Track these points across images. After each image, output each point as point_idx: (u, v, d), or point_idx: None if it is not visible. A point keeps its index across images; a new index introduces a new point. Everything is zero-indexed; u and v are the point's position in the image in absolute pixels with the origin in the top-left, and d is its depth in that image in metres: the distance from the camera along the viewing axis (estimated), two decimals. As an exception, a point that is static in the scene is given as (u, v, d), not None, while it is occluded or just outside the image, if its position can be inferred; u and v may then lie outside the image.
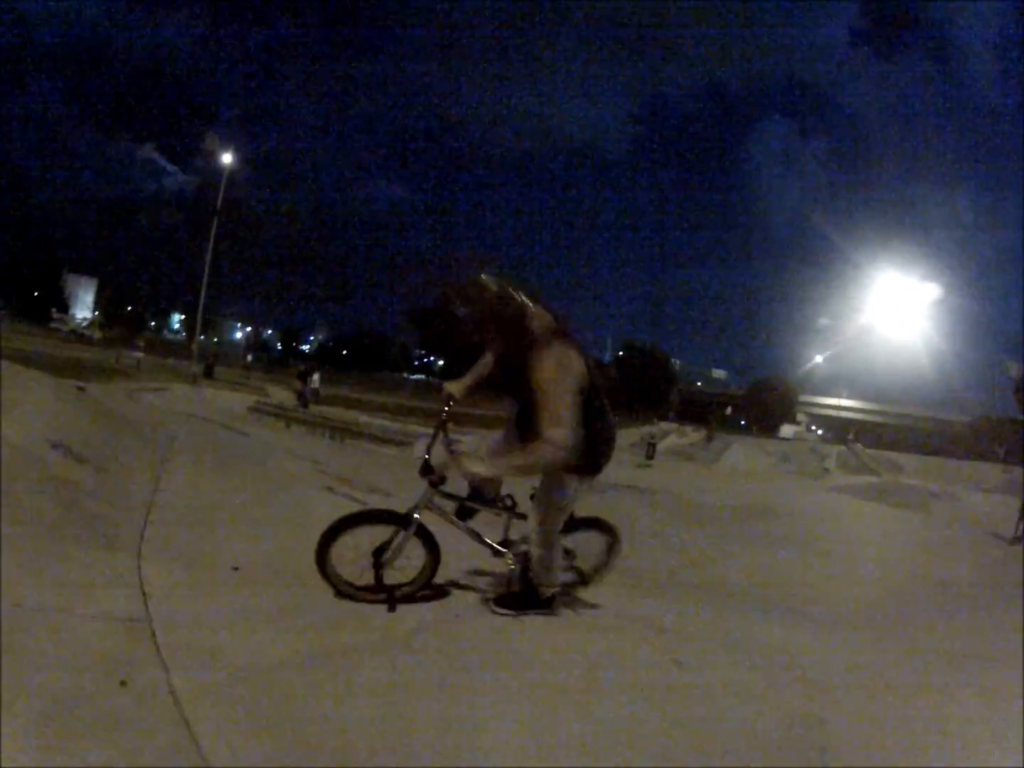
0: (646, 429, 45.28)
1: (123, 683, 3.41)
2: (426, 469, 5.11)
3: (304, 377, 33.45)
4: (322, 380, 43.18)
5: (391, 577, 5.14)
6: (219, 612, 4.58)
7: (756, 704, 4.13)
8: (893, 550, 16.02)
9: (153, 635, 3.92)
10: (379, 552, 5.06)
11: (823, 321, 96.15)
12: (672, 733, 3.66)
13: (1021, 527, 18.35)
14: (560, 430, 4.21)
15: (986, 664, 6.20)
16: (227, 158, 50.40)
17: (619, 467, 23.80)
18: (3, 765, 2.72)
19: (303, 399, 29.50)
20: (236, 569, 5.54)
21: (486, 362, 5.48)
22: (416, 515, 5.07)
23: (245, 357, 70.90)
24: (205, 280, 48.88)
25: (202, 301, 51.76)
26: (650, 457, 30.09)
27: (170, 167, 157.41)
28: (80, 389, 12.98)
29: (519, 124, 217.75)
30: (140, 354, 44.21)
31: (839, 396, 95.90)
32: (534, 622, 5.05)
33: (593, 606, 5.67)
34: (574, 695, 3.96)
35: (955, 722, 4.14)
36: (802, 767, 3.43)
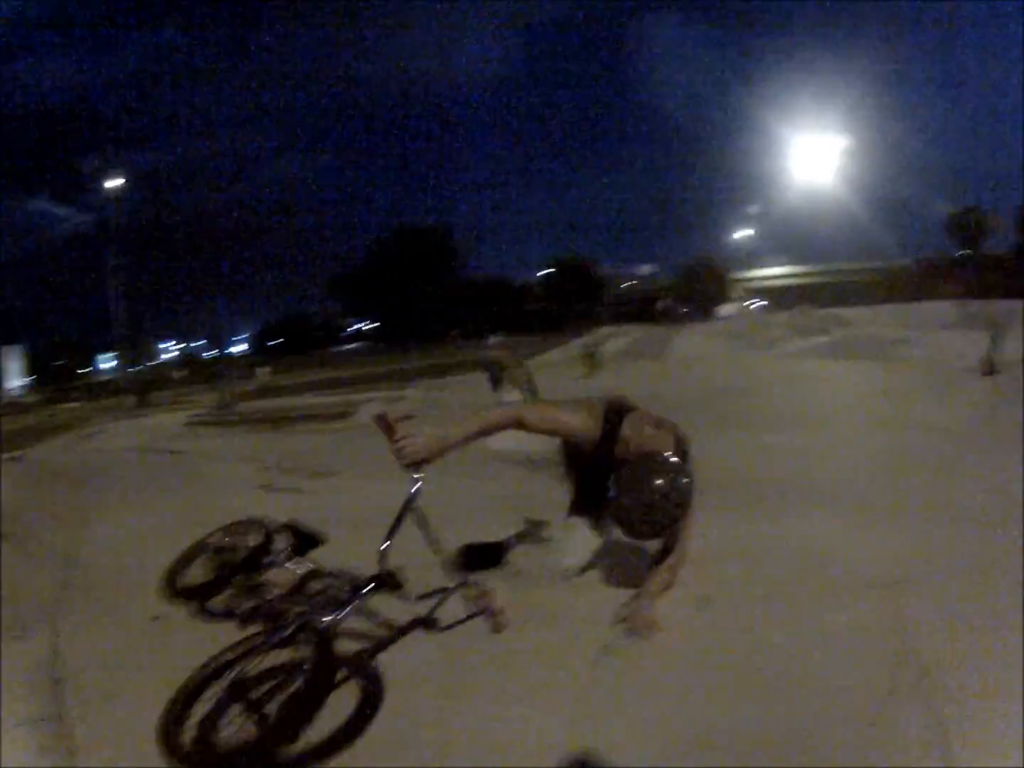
0: (580, 341, 44.44)
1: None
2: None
3: (221, 375, 32.72)
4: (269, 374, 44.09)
5: None
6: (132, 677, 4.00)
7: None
8: (869, 405, 15.44)
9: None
10: None
11: (753, 208, 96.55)
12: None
13: (990, 357, 18.10)
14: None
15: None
16: (115, 182, 49.75)
17: (563, 381, 23.03)
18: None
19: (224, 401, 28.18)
20: (156, 619, 4.76)
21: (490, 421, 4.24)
22: None
23: (178, 375, 70.51)
24: (119, 309, 48.89)
25: (117, 331, 51.68)
26: (592, 368, 27.90)
27: (63, 211, 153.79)
28: (14, 460, 13.72)
29: (403, 64, 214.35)
30: (76, 404, 44.01)
31: (775, 265, 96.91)
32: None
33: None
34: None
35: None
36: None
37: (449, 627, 3.90)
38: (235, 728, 3.09)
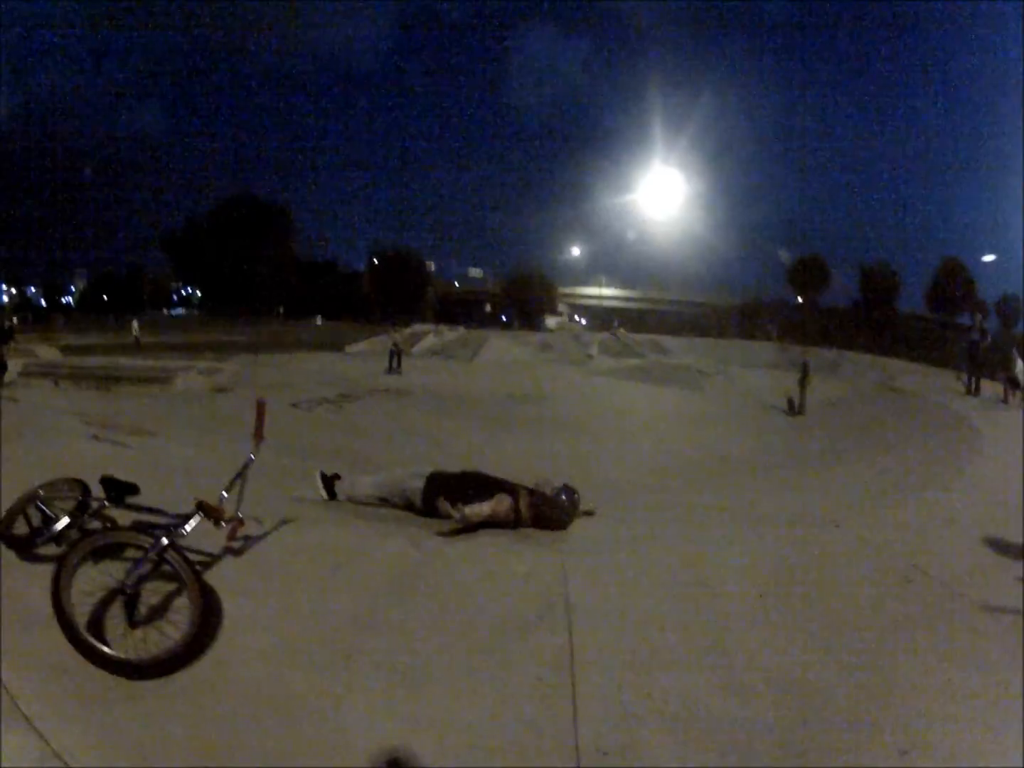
0: (383, 337, 44.60)
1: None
2: None
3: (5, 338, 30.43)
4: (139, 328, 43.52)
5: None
6: None
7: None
8: (667, 426, 16.63)
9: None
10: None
11: (590, 229, 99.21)
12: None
13: (799, 397, 19.27)
14: None
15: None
16: None
17: (370, 376, 23.19)
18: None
19: None
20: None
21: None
22: None
23: (11, 320, 65.87)
24: None
25: None
26: (394, 369, 26.56)
27: None
28: None
29: (269, 39, 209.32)
30: None
31: (600, 285, 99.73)
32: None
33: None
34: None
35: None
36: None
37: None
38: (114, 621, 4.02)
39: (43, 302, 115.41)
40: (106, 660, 3.78)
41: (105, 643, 3.87)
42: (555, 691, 3.59)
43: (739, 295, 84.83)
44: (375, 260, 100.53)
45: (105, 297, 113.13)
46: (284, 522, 5.51)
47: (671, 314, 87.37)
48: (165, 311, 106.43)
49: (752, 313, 76.29)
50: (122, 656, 3.82)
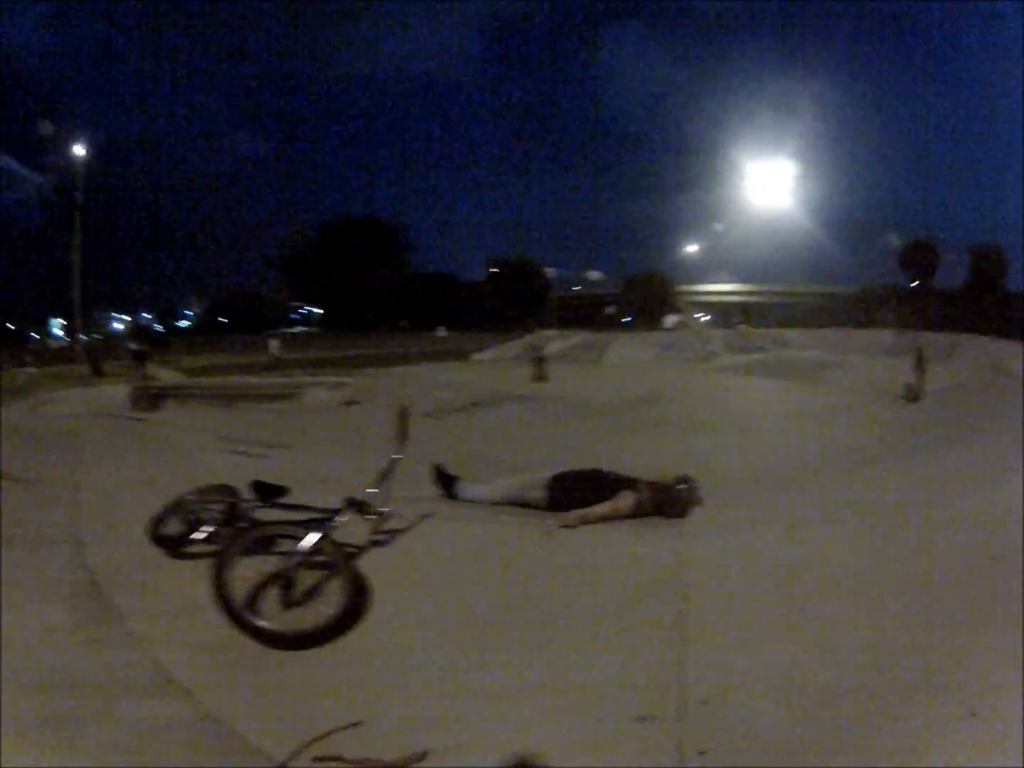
0: (523, 343, 45.29)
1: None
2: None
3: (142, 358, 29.63)
4: (280, 347, 44.78)
5: None
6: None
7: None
8: (789, 420, 16.78)
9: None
10: None
11: (704, 224, 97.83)
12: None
13: (916, 384, 19.32)
14: None
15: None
16: (80, 149, 48.29)
17: (497, 383, 24.02)
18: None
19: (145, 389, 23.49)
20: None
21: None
22: None
23: (128, 347, 68.52)
24: (77, 279, 47.64)
25: (77, 301, 50.37)
26: (541, 378, 26.14)
27: (27, 172, 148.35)
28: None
29: (362, 56, 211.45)
30: (32, 369, 43.05)
31: (721, 281, 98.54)
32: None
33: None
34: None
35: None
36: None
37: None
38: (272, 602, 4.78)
39: (158, 327, 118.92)
40: (265, 634, 4.51)
41: (263, 619, 4.60)
42: (668, 653, 4.17)
43: (856, 282, 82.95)
44: (494, 269, 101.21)
45: (223, 319, 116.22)
46: (425, 517, 6.31)
47: (792, 306, 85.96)
48: (286, 330, 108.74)
49: (869, 300, 74.75)
50: (279, 629, 4.55)
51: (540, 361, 26.80)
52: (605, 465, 7.30)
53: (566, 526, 6.31)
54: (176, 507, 6.15)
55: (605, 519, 6.44)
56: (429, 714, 3.74)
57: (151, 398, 19.78)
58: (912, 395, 19.24)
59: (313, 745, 3.36)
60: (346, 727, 3.50)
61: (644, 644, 4.35)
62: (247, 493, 5.85)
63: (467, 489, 7.50)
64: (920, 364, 20.33)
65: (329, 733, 3.43)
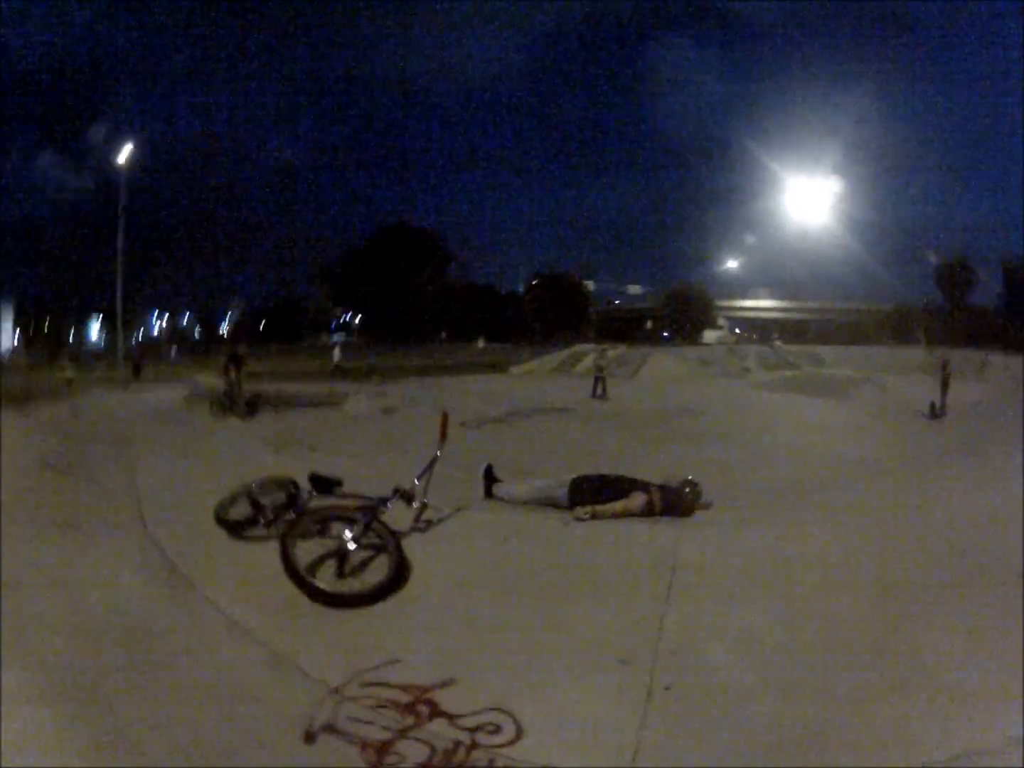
0: (574, 351, 45.84)
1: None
2: None
3: (236, 363, 22.95)
4: (343, 353, 45.14)
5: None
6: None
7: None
8: (814, 435, 17.15)
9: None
10: None
11: (744, 239, 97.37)
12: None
13: (940, 401, 19.72)
14: None
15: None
16: (123, 153, 48.96)
17: (534, 396, 24.89)
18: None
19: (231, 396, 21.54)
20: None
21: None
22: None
23: (169, 352, 69.48)
24: (120, 283, 48.26)
25: (119, 304, 51.15)
26: (598, 394, 26.16)
27: (67, 174, 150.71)
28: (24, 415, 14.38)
29: (408, 67, 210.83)
30: (70, 372, 43.28)
31: (758, 297, 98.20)
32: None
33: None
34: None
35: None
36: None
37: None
38: (330, 571, 5.73)
39: (197, 333, 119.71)
40: (323, 595, 5.36)
41: (322, 583, 5.47)
42: (651, 614, 5.03)
43: (891, 299, 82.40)
44: (534, 282, 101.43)
45: (262, 326, 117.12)
46: (458, 509, 7.38)
47: (827, 323, 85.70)
48: (325, 338, 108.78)
49: (903, 318, 74.50)
50: (335, 591, 5.43)
51: (602, 379, 26.67)
52: (635, 474, 8.12)
53: (580, 519, 7.26)
54: (240, 495, 7.11)
55: (617, 516, 7.32)
56: (455, 651, 4.60)
57: (248, 404, 19.63)
58: (936, 412, 19.59)
59: (362, 675, 4.21)
60: (388, 663, 4.36)
61: (633, 606, 5.24)
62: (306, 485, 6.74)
63: (501, 489, 8.43)
64: (945, 382, 20.66)
65: (375, 668, 4.28)
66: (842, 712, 3.91)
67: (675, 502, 7.56)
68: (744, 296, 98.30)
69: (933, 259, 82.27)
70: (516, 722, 3.74)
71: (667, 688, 4.12)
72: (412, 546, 6.15)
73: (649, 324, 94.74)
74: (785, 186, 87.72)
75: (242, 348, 23.54)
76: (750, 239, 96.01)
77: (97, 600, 5.13)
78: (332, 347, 51.67)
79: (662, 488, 7.66)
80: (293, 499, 6.73)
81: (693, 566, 6.01)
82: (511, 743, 3.60)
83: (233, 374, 20.50)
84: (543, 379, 33.41)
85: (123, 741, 3.55)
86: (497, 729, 3.69)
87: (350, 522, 6.00)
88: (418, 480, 6.86)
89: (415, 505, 6.70)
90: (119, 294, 49.71)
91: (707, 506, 7.89)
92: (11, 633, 4.38)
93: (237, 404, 19.24)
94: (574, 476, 8.00)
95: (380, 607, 5.27)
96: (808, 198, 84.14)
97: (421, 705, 3.91)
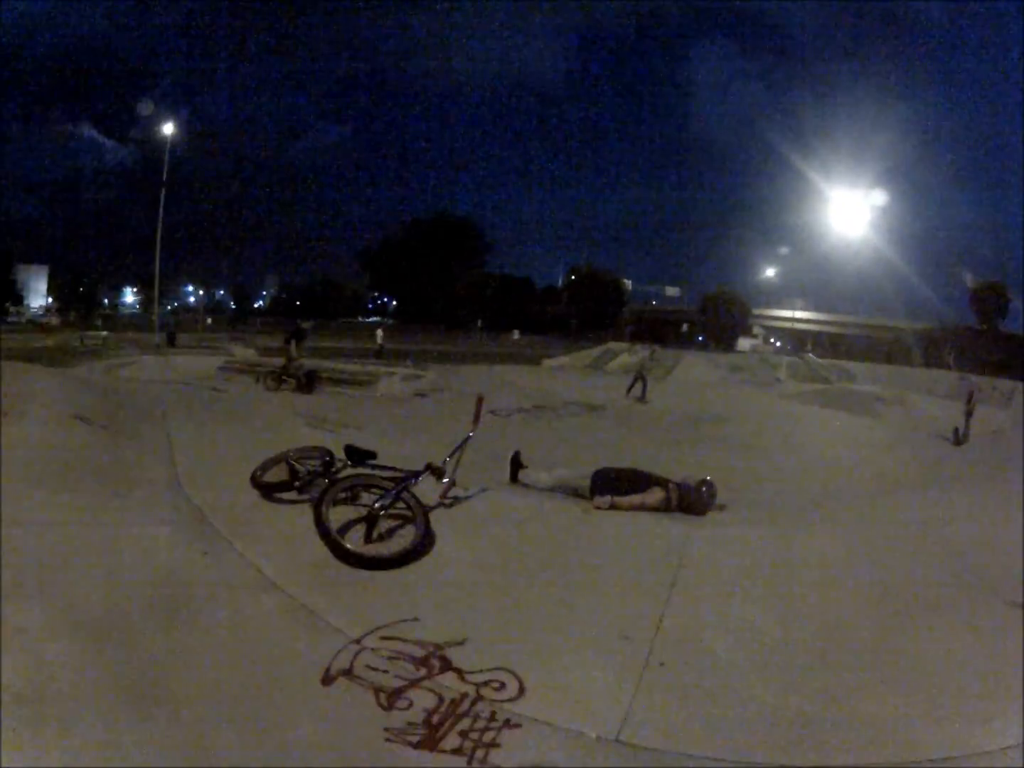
0: (607, 348, 46.05)
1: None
2: None
3: (299, 337, 22.73)
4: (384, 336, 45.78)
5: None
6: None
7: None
8: (836, 449, 17.50)
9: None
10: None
11: (783, 249, 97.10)
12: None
13: (964, 427, 19.79)
14: None
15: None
16: (168, 128, 49.44)
17: (565, 391, 25.54)
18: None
19: (292, 369, 21.02)
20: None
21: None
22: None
23: (204, 321, 70.54)
24: (158, 253, 49.12)
25: (157, 273, 52.11)
26: (635, 393, 25.53)
27: (109, 142, 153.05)
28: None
29: (454, 60, 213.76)
30: (105, 332, 43.80)
31: (794, 308, 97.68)
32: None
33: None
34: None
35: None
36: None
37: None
38: (358, 535, 6.12)
39: (232, 305, 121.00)
40: (351, 556, 5.69)
41: (351, 545, 5.84)
42: (655, 597, 5.38)
43: (929, 318, 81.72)
44: (572, 277, 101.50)
45: (297, 302, 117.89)
46: (483, 490, 7.69)
47: (861, 339, 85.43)
48: (359, 318, 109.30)
49: (937, 339, 73.92)
50: (363, 553, 5.78)
51: (643, 381, 26.10)
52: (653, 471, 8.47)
53: (599, 508, 7.59)
54: (277, 460, 7.49)
55: (634, 509, 7.61)
56: (469, 616, 4.93)
57: (307, 377, 20.12)
58: (958, 438, 19.57)
59: (380, 630, 4.56)
60: (406, 620, 4.71)
61: (640, 590, 5.57)
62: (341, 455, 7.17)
63: (527, 475, 8.81)
64: (970, 410, 20.70)
65: (394, 624, 4.64)
66: (834, 705, 4.17)
67: (691, 500, 7.84)
68: (780, 305, 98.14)
69: (969, 282, 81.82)
70: (519, 681, 4.07)
71: (661, 664, 4.43)
72: (437, 519, 6.47)
73: (685, 327, 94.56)
74: (826, 197, 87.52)
75: (306, 323, 25.09)
76: (788, 249, 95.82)
77: (128, 546, 5.45)
78: (374, 328, 52.36)
79: (680, 486, 7.94)
80: (328, 467, 7.13)
81: (700, 559, 6.33)
82: (513, 700, 3.92)
83: (295, 348, 20.84)
84: (577, 374, 33.64)
85: (146, 676, 3.85)
86: (502, 686, 4.02)
87: (381, 491, 6.40)
88: (449, 458, 7.25)
89: (444, 481, 7.08)
90: (157, 263, 50.64)
91: (722, 508, 8.19)
92: (40, 571, 4.70)
93: (296, 378, 19.66)
94: (597, 468, 8.32)
95: (402, 572, 5.59)
96: (851, 210, 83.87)
97: (433, 659, 4.25)
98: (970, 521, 8.44)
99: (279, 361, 22.16)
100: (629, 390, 25.68)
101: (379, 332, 46.18)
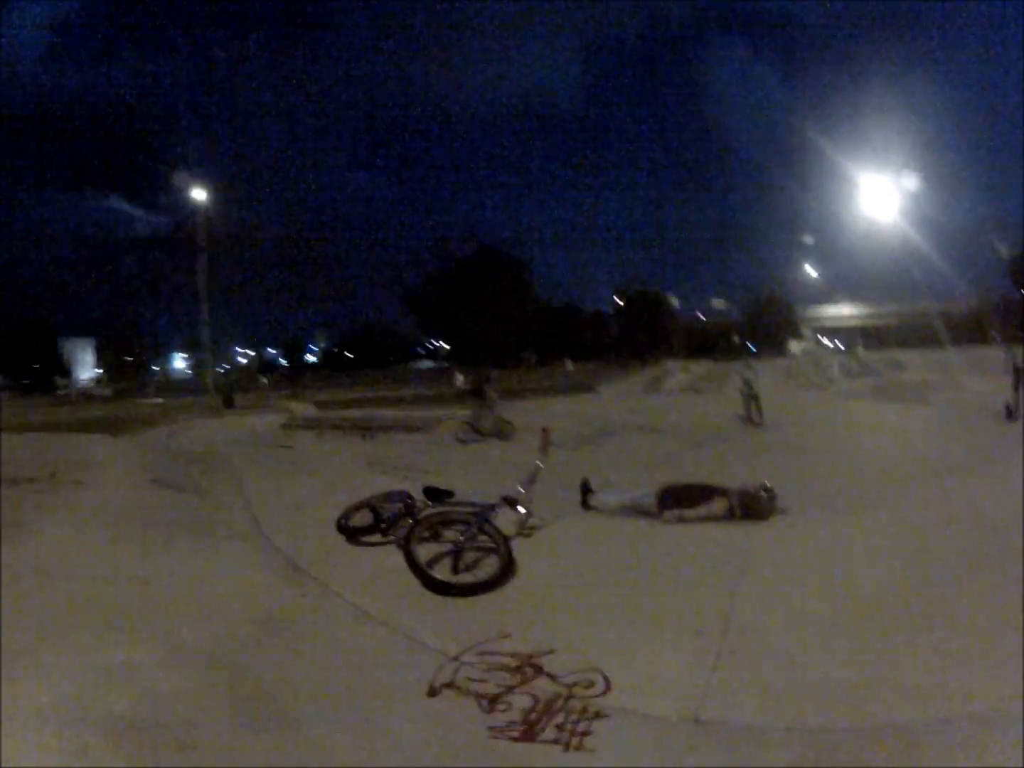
0: (663, 368, 45.95)
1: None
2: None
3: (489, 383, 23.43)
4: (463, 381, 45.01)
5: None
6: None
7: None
8: (889, 440, 17.65)
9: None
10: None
11: (806, 238, 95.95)
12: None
13: (1014, 401, 19.61)
14: None
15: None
16: (200, 193, 49.76)
17: (624, 415, 25.76)
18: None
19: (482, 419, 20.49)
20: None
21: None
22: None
23: (260, 381, 71.62)
24: (206, 315, 50.04)
25: (208, 336, 53.09)
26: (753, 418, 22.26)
27: (138, 212, 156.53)
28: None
29: (475, 90, 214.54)
30: (159, 399, 44.45)
31: (840, 302, 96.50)
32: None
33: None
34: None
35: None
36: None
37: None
38: (443, 565, 6.68)
39: (284, 362, 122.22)
40: (440, 585, 6.21)
41: (440, 576, 6.36)
42: (724, 595, 5.88)
43: (966, 297, 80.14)
44: (619, 301, 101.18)
45: (349, 354, 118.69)
46: (557, 517, 8.33)
47: (908, 327, 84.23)
48: (412, 365, 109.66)
49: (981, 316, 72.71)
50: (451, 581, 6.32)
51: (755, 397, 22.70)
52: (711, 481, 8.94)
53: (667, 522, 8.11)
54: (359, 506, 8.12)
55: (700, 519, 8.11)
56: (556, 628, 5.40)
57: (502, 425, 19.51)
58: (1011, 413, 19.24)
59: (476, 647, 5.05)
60: (499, 637, 5.21)
61: (708, 590, 6.08)
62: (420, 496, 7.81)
63: (596, 499, 9.22)
64: (1018, 383, 20.48)
65: (488, 640, 5.14)
66: (885, 671, 4.58)
67: (753, 506, 8.28)
68: (825, 302, 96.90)
69: (1004, 253, 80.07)
70: (606, 679, 4.51)
71: (732, 652, 4.90)
72: (518, 546, 7.01)
73: (735, 337, 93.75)
74: (857, 184, 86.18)
75: (490, 374, 26.70)
76: (824, 244, 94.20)
77: (227, 591, 6.05)
78: (446, 372, 52.92)
79: (741, 493, 8.37)
80: (410, 508, 7.73)
81: (761, 558, 6.89)
82: (601, 695, 4.36)
83: (490, 396, 21.80)
84: (633, 398, 33.91)
85: (260, 699, 4.34)
86: (591, 684, 4.46)
87: (463, 525, 6.96)
88: (523, 489, 7.75)
89: (520, 511, 7.59)
90: (205, 327, 51.40)
91: (783, 511, 8.53)
92: (144, 617, 5.31)
93: (492, 426, 19.64)
94: (662, 486, 8.73)
95: (490, 596, 6.13)
96: (880, 197, 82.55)
97: (527, 667, 4.72)
98: (1013, 498, 8.50)
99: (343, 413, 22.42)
100: (748, 414, 22.29)
101: (456, 375, 45.83)
